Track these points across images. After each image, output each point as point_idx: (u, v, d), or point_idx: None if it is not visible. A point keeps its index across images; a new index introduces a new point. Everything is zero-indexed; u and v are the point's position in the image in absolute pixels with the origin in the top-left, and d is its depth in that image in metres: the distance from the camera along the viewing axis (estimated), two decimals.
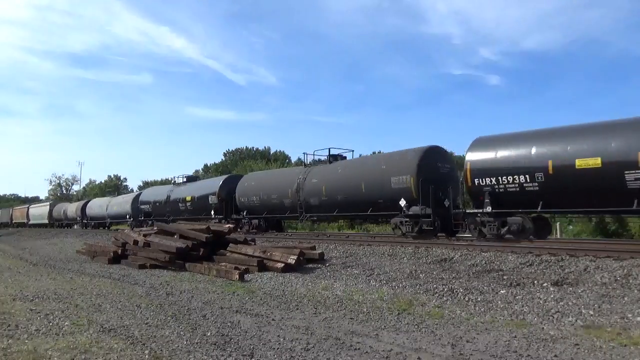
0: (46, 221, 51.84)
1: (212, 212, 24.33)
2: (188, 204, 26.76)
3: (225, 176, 26.92)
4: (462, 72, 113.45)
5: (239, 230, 21.92)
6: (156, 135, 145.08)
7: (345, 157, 20.12)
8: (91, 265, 14.75)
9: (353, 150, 20.65)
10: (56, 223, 50.26)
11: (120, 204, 36.71)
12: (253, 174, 25.26)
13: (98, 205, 41.48)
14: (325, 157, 20.32)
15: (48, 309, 7.38)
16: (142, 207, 32.07)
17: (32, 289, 9.56)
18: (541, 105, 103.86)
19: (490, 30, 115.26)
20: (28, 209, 58.90)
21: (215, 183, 25.79)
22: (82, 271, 13.10)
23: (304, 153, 19.05)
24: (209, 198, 24.90)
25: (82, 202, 46.18)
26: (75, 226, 45.53)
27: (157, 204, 30.25)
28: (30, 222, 56.83)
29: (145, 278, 11.23)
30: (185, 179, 30.21)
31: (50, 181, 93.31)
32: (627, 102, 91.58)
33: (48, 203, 56.01)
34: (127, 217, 34.07)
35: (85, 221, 42.77)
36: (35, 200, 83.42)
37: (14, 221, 64.13)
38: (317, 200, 18.49)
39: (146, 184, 63.22)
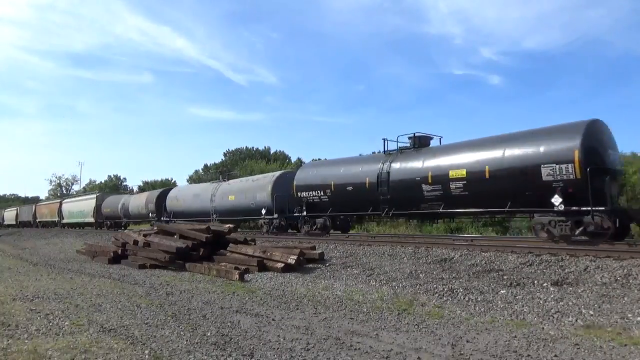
0: (91, 219, 38.74)
1: (557, 199, 11.14)
2: (456, 185, 13.32)
3: (590, 119, 11.68)
4: (462, 72, 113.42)
5: None
6: (156, 135, 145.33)
7: None
8: (91, 265, 14.74)
9: None
10: (107, 222, 36.82)
11: (243, 191, 22.45)
12: None
13: (192, 196, 26.57)
14: None
15: (48, 309, 7.38)
16: (303, 195, 18.30)
17: (32, 289, 9.56)
18: (542, 105, 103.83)
19: (491, 30, 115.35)
20: (61, 205, 46.98)
21: (567, 133, 11.50)
22: (82, 271, 13.09)
23: None
24: (543, 171, 11.41)
25: (155, 192, 31.53)
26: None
27: (349, 188, 16.44)
28: (65, 220, 44.43)
29: (145, 278, 11.23)
30: (411, 141, 15.95)
31: (51, 181, 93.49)
32: (629, 102, 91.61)
33: (94, 195, 40.95)
34: (263, 211, 20.54)
35: (166, 219, 27.20)
36: (35, 200, 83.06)
37: (38, 220, 51.84)
38: None
39: (146, 184, 62.66)
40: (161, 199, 29.22)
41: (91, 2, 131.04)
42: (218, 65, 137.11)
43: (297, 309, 7.40)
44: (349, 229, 19.67)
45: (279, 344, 5.31)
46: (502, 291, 7.62)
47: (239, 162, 51.40)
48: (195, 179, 54.04)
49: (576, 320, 5.96)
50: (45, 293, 8.96)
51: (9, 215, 64.20)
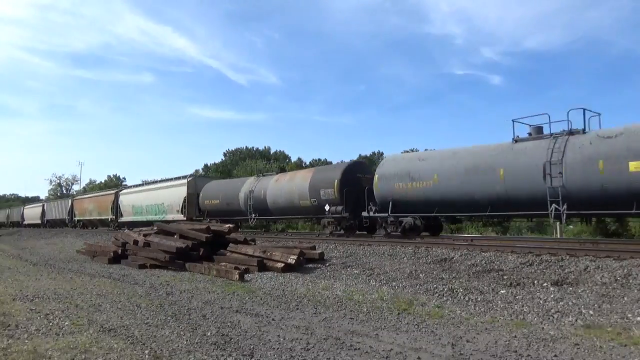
0: (179, 216, 25.34)
1: None
2: None
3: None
4: (463, 72, 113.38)
5: None
6: (156, 135, 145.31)
7: None
8: (91, 265, 14.74)
9: None
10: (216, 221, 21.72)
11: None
12: None
13: (463, 170, 12.92)
14: None
15: (48, 309, 7.37)
16: None
17: (32, 289, 9.55)
18: (543, 106, 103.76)
19: (492, 30, 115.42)
20: (117, 197, 33.14)
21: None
22: (82, 271, 13.09)
23: None
24: None
25: (337, 168, 17.99)
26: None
27: None
28: (125, 218, 31.48)
29: (145, 278, 11.22)
30: None
31: (50, 181, 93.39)
32: (630, 101, 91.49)
33: (184, 181, 26.20)
34: None
35: (383, 214, 15.03)
36: (35, 200, 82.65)
37: (77, 218, 39.96)
38: None
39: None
40: (353, 179, 16.33)
41: (92, 2, 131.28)
42: (218, 65, 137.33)
43: (297, 309, 7.40)
44: None
45: (279, 344, 5.31)
46: (502, 291, 7.62)
47: (239, 162, 51.39)
48: None
49: (576, 320, 5.96)
50: (45, 293, 8.96)
51: (31, 212, 53.10)
